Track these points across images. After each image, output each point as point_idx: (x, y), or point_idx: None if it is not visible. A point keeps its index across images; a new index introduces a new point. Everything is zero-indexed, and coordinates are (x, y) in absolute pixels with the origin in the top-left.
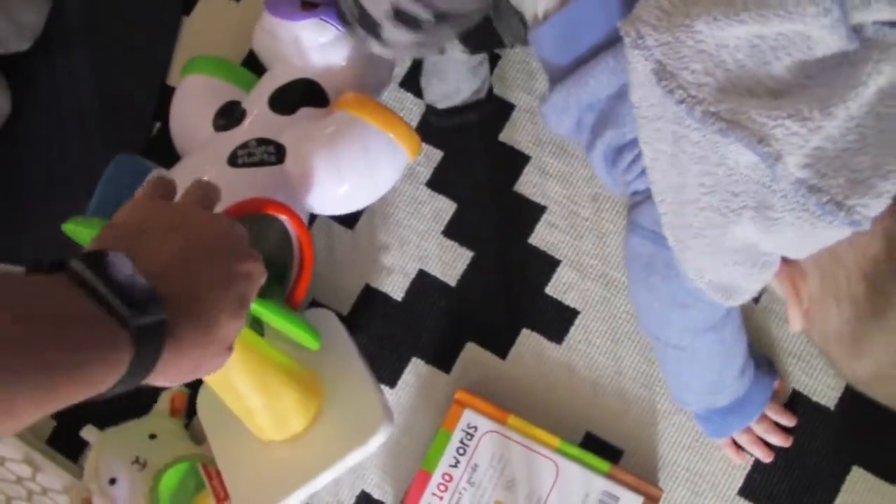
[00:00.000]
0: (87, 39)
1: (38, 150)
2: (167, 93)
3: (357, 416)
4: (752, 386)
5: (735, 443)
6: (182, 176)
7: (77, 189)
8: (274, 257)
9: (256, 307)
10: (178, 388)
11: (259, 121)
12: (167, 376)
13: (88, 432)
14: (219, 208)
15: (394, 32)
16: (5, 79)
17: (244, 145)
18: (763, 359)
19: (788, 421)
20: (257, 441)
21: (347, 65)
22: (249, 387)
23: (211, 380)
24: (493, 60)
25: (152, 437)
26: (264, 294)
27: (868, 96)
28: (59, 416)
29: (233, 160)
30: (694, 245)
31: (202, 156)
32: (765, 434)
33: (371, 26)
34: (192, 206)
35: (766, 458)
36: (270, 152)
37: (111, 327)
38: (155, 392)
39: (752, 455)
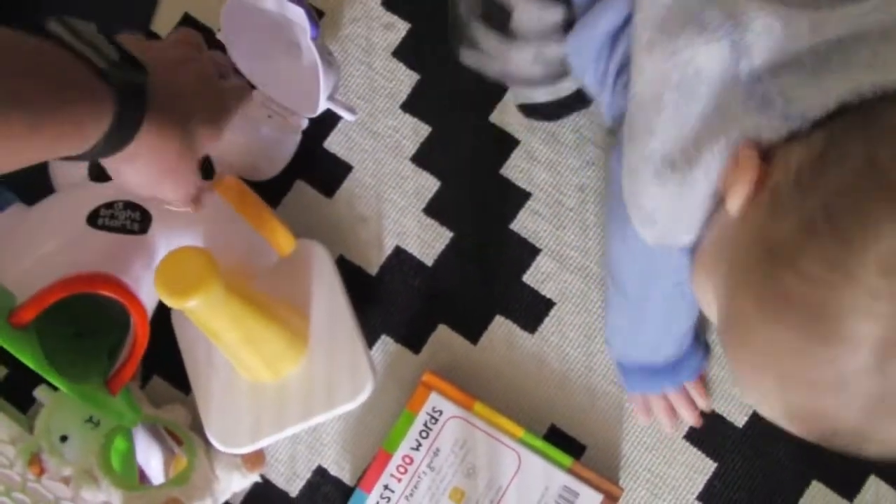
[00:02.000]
0: None
1: None
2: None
3: (345, 369)
4: (688, 354)
5: (644, 404)
6: (35, 225)
7: None
8: (114, 322)
9: (69, 389)
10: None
11: None
12: (138, 173)
13: (41, 391)
14: (63, 268)
15: (528, 11)
16: None
17: (109, 205)
18: (702, 336)
19: (704, 402)
20: (238, 376)
21: (243, 142)
22: (235, 334)
23: (196, 321)
24: None
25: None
26: (89, 365)
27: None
28: (12, 367)
29: (93, 219)
30: (636, 154)
31: (65, 206)
32: (678, 404)
33: (498, 15)
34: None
35: (670, 427)
36: (135, 219)
37: (90, 75)
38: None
39: (657, 420)
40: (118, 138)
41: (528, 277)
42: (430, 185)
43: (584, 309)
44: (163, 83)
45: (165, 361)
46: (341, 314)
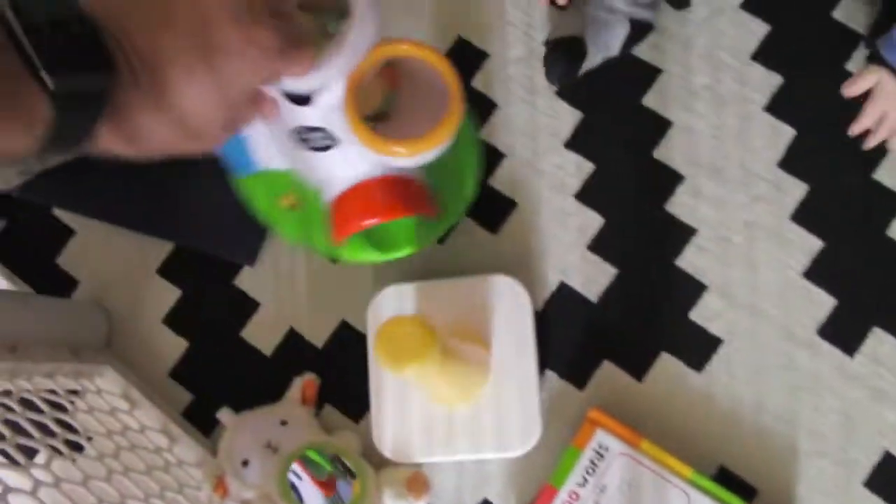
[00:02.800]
0: None
1: None
2: None
3: (518, 415)
4: None
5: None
6: None
7: None
8: None
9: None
10: (309, 377)
11: None
12: (114, 141)
13: (224, 414)
14: None
15: None
16: None
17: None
18: None
19: None
20: (418, 394)
21: None
22: (436, 378)
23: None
24: (652, 77)
25: (283, 423)
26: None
27: None
28: (197, 392)
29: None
30: None
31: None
32: None
33: None
34: None
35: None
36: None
37: (22, 83)
38: (286, 380)
39: None
40: (64, 143)
41: (695, 314)
42: (593, 221)
43: (753, 347)
44: (125, 50)
45: (339, 390)
46: (526, 357)
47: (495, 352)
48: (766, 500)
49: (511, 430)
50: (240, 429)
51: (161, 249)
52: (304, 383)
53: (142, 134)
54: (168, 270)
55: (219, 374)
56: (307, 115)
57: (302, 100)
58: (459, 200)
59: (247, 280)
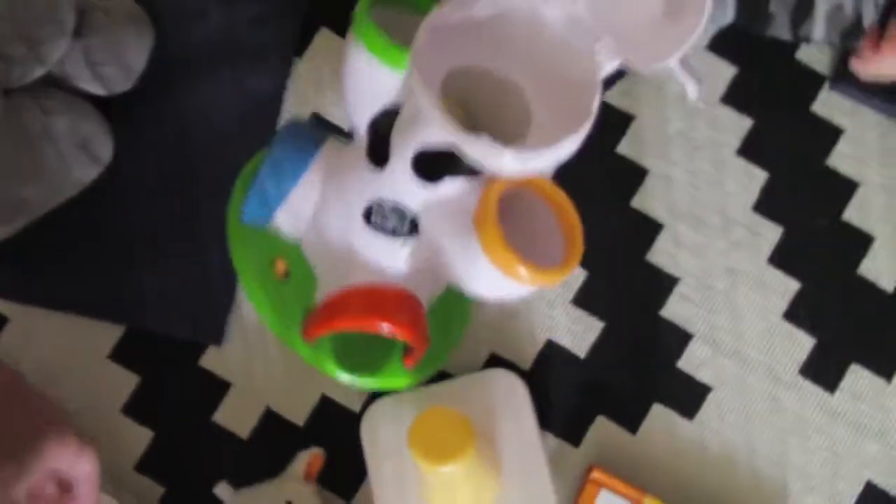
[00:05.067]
0: (191, 77)
1: (140, 201)
2: None
3: None
4: None
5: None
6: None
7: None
8: None
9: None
10: (315, 451)
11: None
12: None
13: (223, 490)
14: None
15: None
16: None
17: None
18: None
19: None
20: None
21: None
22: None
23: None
24: (626, 123)
25: (288, 503)
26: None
27: None
28: (169, 484)
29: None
30: None
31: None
32: None
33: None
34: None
35: None
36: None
37: None
38: (288, 453)
39: None
40: None
41: (683, 363)
42: (576, 275)
43: (742, 392)
44: None
45: (327, 467)
46: (533, 453)
47: (501, 451)
48: None
49: None
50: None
51: (110, 333)
52: (311, 457)
53: None
54: (122, 355)
55: (192, 463)
56: (410, 194)
57: (432, 172)
58: (446, 346)
59: (213, 359)
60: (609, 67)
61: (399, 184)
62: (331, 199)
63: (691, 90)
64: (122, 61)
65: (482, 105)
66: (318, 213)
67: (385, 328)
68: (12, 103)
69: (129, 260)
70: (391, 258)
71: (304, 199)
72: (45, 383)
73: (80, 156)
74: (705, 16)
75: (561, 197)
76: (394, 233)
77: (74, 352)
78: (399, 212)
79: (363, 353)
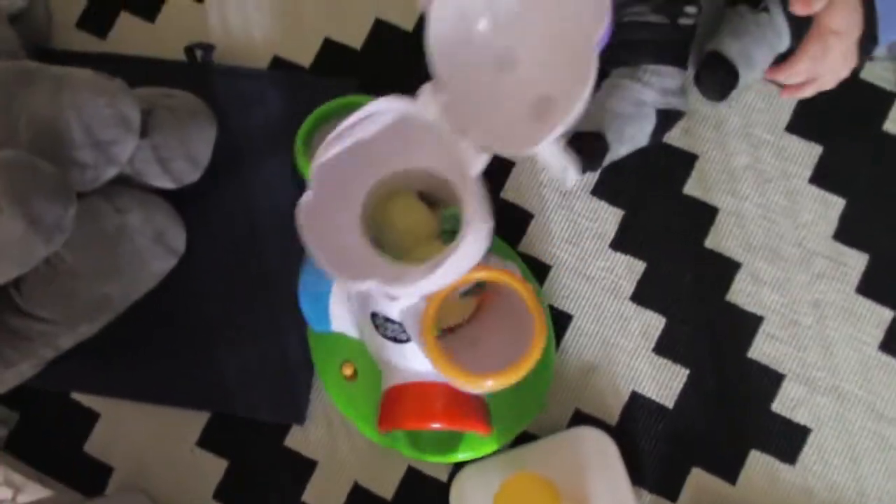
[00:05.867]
0: (252, 159)
1: (214, 285)
2: None
3: None
4: None
5: None
6: None
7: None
8: None
9: None
10: None
11: None
12: None
13: None
14: None
15: None
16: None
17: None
18: None
19: None
20: None
21: None
22: None
23: None
24: (689, 164)
25: None
26: None
27: None
28: None
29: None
30: None
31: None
32: None
33: None
34: None
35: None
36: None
37: None
38: None
39: None
40: None
41: (778, 406)
42: (655, 322)
43: (843, 431)
44: None
45: None
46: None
47: None
48: None
49: None
50: None
51: (196, 421)
52: None
53: None
54: (209, 441)
55: None
56: (389, 307)
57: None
58: (529, 413)
59: (297, 439)
60: (479, 158)
61: (379, 299)
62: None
63: (559, 174)
64: (190, 154)
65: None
66: (355, 320)
67: (437, 427)
68: (86, 205)
69: (209, 346)
70: (409, 360)
71: (341, 311)
72: (135, 475)
73: (157, 249)
74: (570, 119)
75: (528, 294)
76: (396, 340)
77: (163, 441)
78: (391, 320)
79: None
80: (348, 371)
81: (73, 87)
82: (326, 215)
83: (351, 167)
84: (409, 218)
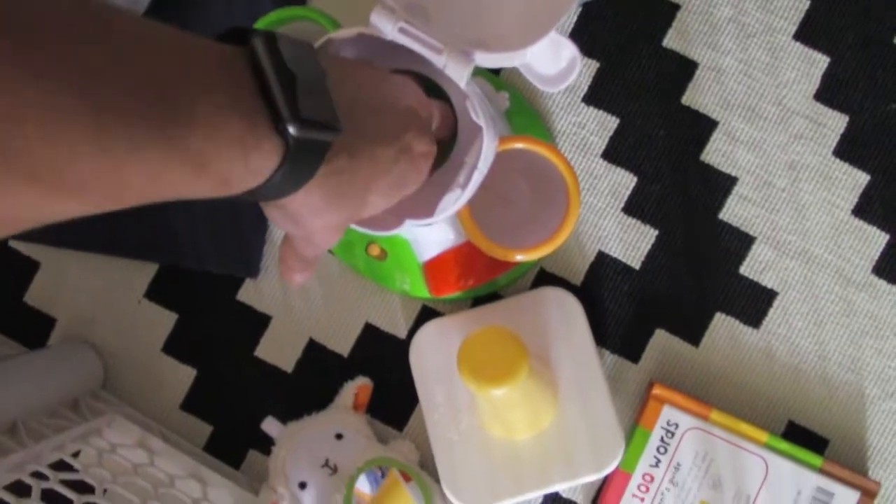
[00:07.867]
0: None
1: None
2: None
3: (596, 437)
4: None
5: None
6: None
7: None
8: None
9: None
10: (362, 381)
11: None
12: (285, 221)
13: (270, 425)
14: None
15: None
16: None
17: None
18: None
19: None
20: (481, 432)
21: None
22: (517, 409)
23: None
24: (672, 13)
25: (339, 436)
26: None
27: None
28: (216, 422)
29: None
30: None
31: None
32: None
33: None
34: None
35: None
36: None
37: (263, 130)
38: (335, 384)
39: None
40: (265, 193)
41: (746, 269)
42: (625, 181)
43: (810, 295)
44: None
45: (377, 397)
46: (591, 371)
47: (556, 371)
48: (837, 448)
49: (589, 452)
50: (293, 447)
51: (144, 272)
52: (357, 388)
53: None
54: (157, 293)
55: (238, 399)
56: None
57: None
58: None
59: (251, 293)
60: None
61: None
62: None
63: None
64: None
65: None
66: None
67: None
68: None
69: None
70: (441, 234)
71: None
72: (80, 327)
73: None
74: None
75: (560, 160)
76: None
77: (109, 293)
78: None
79: None
80: (375, 251)
81: None
82: None
83: None
84: None
